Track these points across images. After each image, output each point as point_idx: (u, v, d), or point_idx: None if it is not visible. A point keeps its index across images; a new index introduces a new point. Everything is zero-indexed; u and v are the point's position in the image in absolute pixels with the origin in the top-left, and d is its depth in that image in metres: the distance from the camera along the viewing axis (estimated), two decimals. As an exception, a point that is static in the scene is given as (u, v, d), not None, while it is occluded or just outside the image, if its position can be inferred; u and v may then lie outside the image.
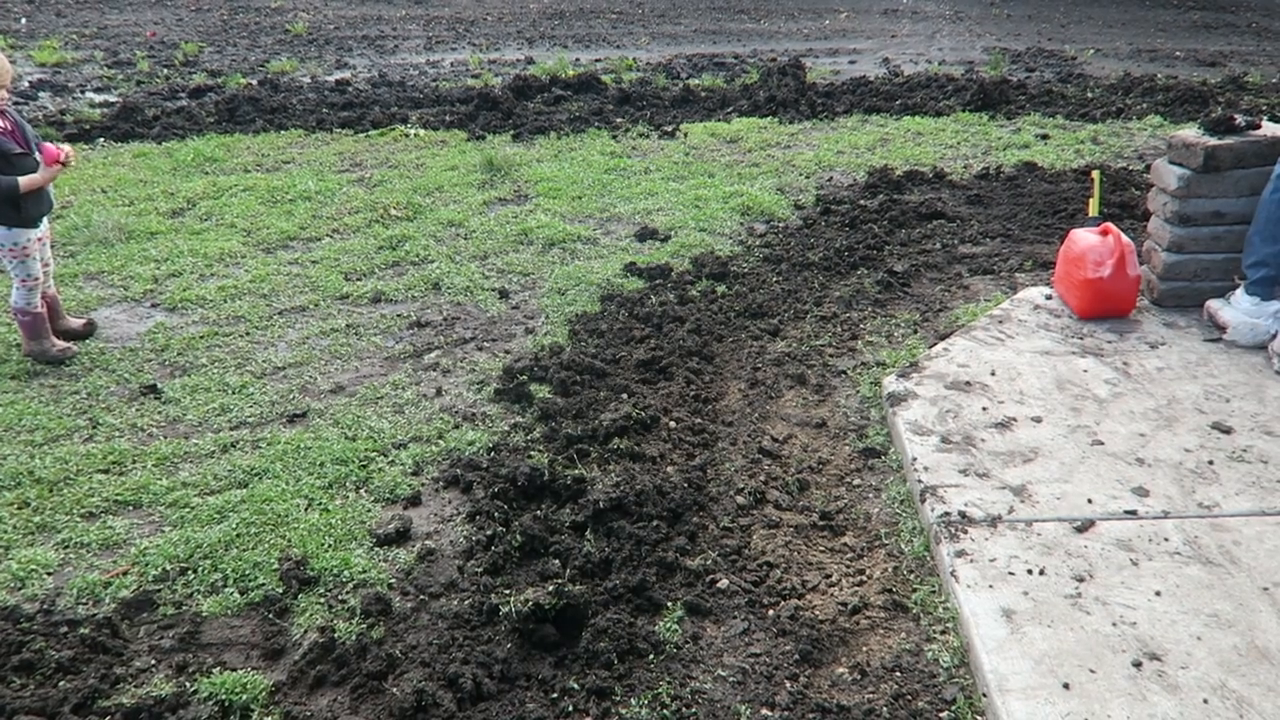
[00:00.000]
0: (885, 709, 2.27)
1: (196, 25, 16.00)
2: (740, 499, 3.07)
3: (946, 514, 2.80)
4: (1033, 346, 3.83)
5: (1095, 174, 4.69)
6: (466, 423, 3.57)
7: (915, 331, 4.27)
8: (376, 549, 2.87)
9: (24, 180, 3.81)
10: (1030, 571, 2.56)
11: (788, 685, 2.34)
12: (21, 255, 3.95)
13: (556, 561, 2.73)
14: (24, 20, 16.24)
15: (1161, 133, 7.63)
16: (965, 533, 2.72)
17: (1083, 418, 3.30)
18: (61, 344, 4.11)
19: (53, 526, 2.99)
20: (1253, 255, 3.75)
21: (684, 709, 2.27)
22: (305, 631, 2.55)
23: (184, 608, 2.64)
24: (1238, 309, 3.76)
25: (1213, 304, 3.91)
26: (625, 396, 3.65)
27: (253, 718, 2.27)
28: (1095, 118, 8.13)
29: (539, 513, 2.96)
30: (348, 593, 2.68)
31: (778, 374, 3.90)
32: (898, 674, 2.38)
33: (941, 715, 2.25)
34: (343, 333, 4.35)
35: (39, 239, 4.05)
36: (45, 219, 4.10)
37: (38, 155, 3.93)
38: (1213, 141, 3.87)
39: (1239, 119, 3.94)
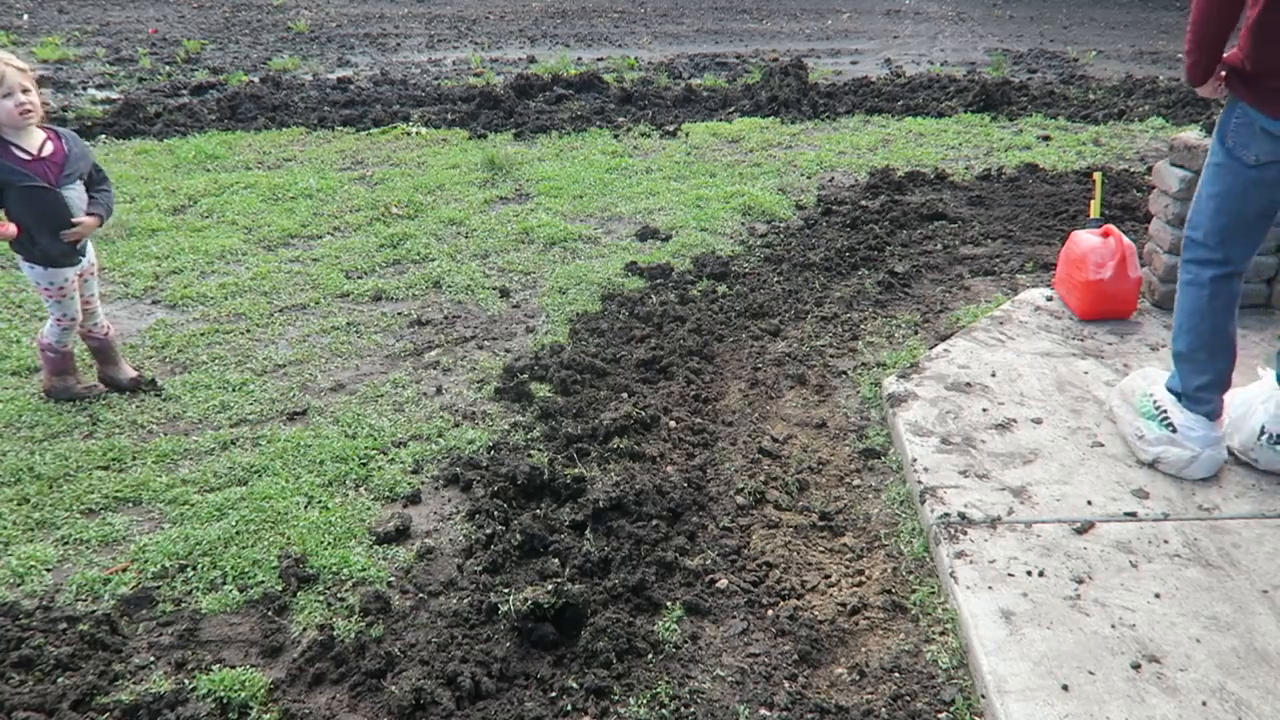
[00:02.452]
0: (884, 710, 2.26)
1: (198, 22, 16.01)
2: (740, 499, 3.07)
3: (946, 515, 2.80)
4: (1033, 348, 3.82)
5: (1097, 176, 4.69)
6: (466, 421, 3.57)
7: (916, 332, 4.26)
8: (376, 547, 2.87)
9: None
10: (1030, 573, 2.55)
11: (786, 685, 2.34)
12: (59, 295, 3.55)
13: (556, 560, 2.72)
14: (26, 16, 16.23)
15: (1163, 135, 7.63)
16: (965, 534, 2.72)
17: (1083, 419, 3.30)
18: (87, 382, 3.77)
19: (52, 523, 2.99)
20: (1201, 374, 2.95)
21: (683, 709, 2.27)
22: (304, 629, 2.55)
23: (183, 605, 2.64)
24: (1189, 437, 2.95)
25: (1139, 438, 3.06)
26: (625, 396, 3.65)
27: (251, 715, 2.27)
28: (1097, 119, 8.13)
29: (538, 512, 2.96)
30: (347, 591, 2.68)
31: (778, 374, 3.90)
32: (896, 675, 2.38)
33: (940, 716, 2.25)
34: (343, 330, 4.35)
35: (80, 275, 3.63)
36: (86, 256, 3.63)
37: (65, 191, 3.41)
38: (1214, 144, 3.86)
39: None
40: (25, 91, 3.26)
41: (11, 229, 3.32)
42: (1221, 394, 2.97)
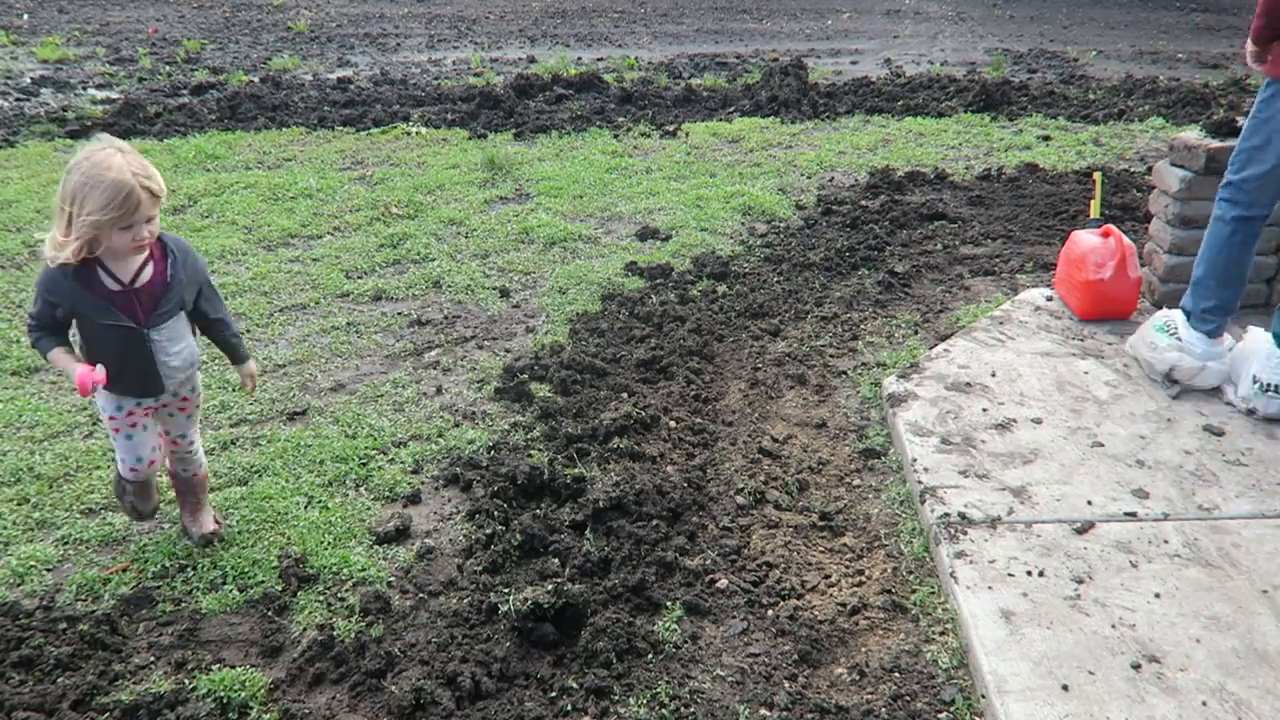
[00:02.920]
0: (884, 709, 2.26)
1: (198, 22, 16.00)
2: (740, 499, 3.07)
3: (946, 515, 2.80)
4: (1033, 348, 3.82)
5: (1097, 176, 4.69)
6: (466, 421, 3.57)
7: (916, 332, 4.26)
8: (376, 547, 2.87)
9: (53, 358, 2.55)
10: (1030, 573, 2.55)
11: (786, 685, 2.34)
12: (118, 429, 2.69)
13: (556, 560, 2.72)
14: (26, 16, 16.24)
15: (1163, 135, 7.63)
16: (965, 534, 2.72)
17: (1083, 419, 3.30)
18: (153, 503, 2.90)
19: (52, 523, 2.99)
20: (1210, 298, 3.45)
21: (683, 708, 2.27)
22: (304, 629, 2.55)
23: (183, 605, 2.64)
24: (1193, 351, 3.44)
25: (1153, 350, 3.55)
26: (625, 396, 3.65)
27: (251, 715, 2.27)
28: (1097, 119, 8.12)
29: (539, 511, 2.96)
30: (347, 591, 2.68)
31: (778, 374, 3.90)
32: (896, 675, 2.38)
33: (940, 716, 2.25)
34: (343, 330, 4.35)
35: (149, 410, 2.71)
36: (178, 389, 2.73)
37: (154, 334, 2.55)
38: (1215, 144, 3.87)
39: (1241, 121, 3.94)
40: (149, 221, 2.44)
41: (100, 375, 2.46)
42: (1224, 319, 3.47)
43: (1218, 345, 3.45)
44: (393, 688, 2.30)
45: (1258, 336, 3.43)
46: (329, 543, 2.87)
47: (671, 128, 8.00)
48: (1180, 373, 3.44)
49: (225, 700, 2.29)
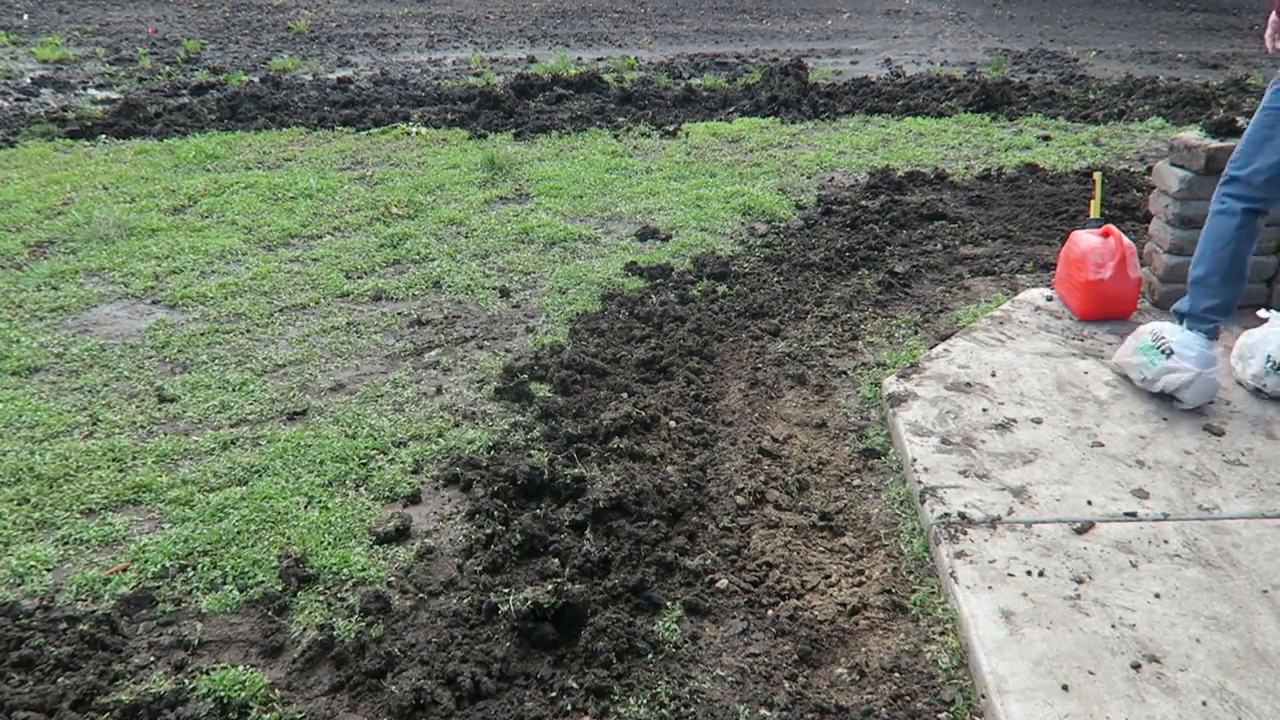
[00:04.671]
0: (884, 709, 2.27)
1: (198, 22, 16.01)
2: (740, 499, 3.07)
3: (946, 515, 2.80)
4: (1033, 348, 3.82)
5: (1097, 176, 4.69)
6: (466, 421, 3.57)
7: (916, 332, 4.26)
8: (376, 547, 2.87)
9: None
10: (1030, 573, 2.55)
11: (786, 685, 2.34)
12: None
13: (556, 560, 2.72)
14: (26, 16, 16.24)
15: (1163, 135, 7.63)
16: (965, 534, 2.72)
17: (1083, 419, 3.30)
18: None
19: (52, 523, 2.99)
20: (1212, 297, 3.38)
21: (682, 708, 2.27)
22: (304, 629, 2.55)
23: (183, 605, 2.64)
24: (1187, 356, 3.28)
25: (1142, 376, 3.39)
26: (625, 396, 3.65)
27: (251, 715, 2.27)
28: (1097, 119, 8.12)
29: (539, 512, 2.96)
30: (347, 591, 2.68)
31: (778, 374, 3.90)
32: (896, 675, 2.38)
33: (940, 716, 2.25)
34: (343, 330, 4.35)
35: None
36: None
37: None
38: (1214, 144, 3.87)
39: (1241, 121, 3.94)
40: None
41: None
42: (1224, 318, 3.41)
43: (1212, 349, 3.36)
44: (393, 688, 2.30)
45: (1278, 319, 3.44)
46: (329, 543, 2.87)
47: (671, 128, 8.00)
48: (1167, 387, 3.31)
49: (225, 700, 2.29)
